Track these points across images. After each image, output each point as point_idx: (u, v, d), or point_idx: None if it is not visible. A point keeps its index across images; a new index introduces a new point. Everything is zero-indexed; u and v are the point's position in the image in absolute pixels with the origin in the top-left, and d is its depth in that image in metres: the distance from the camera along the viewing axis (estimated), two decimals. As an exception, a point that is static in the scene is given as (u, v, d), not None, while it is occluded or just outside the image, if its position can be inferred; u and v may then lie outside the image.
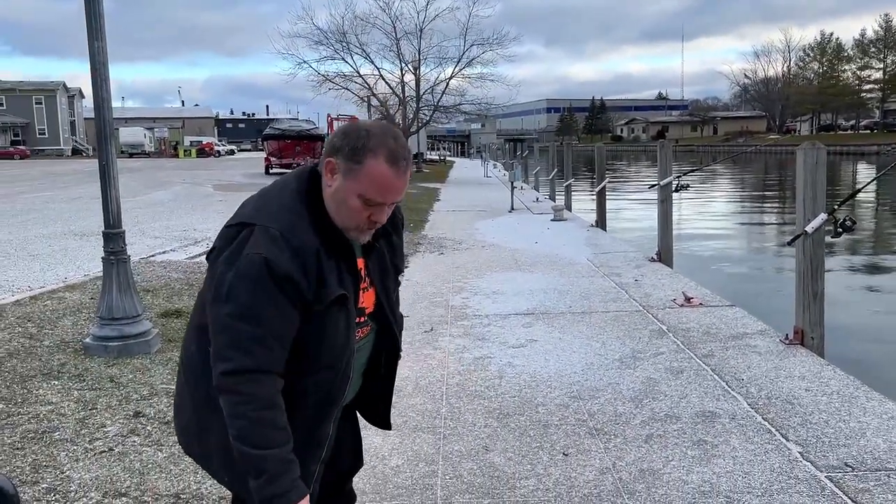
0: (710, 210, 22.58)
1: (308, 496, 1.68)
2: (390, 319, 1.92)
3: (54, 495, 3.15)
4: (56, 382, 4.53)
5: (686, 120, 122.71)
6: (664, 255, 9.33)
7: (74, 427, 3.86)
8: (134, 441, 3.70)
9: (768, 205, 26.26)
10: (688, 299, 6.73)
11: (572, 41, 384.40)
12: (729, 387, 4.45)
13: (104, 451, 3.57)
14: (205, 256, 1.80)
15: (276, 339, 1.64)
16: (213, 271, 1.69)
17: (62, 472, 3.36)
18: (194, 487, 3.22)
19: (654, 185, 9.85)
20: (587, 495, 3.16)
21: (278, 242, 1.61)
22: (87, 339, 5.17)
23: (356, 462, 2.23)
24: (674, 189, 9.45)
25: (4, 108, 72.00)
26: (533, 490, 3.22)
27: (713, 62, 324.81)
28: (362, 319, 1.85)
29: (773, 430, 3.79)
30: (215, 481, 2.29)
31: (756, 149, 65.49)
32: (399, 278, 2.04)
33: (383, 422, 2.15)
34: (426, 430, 3.90)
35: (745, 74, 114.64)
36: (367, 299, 1.86)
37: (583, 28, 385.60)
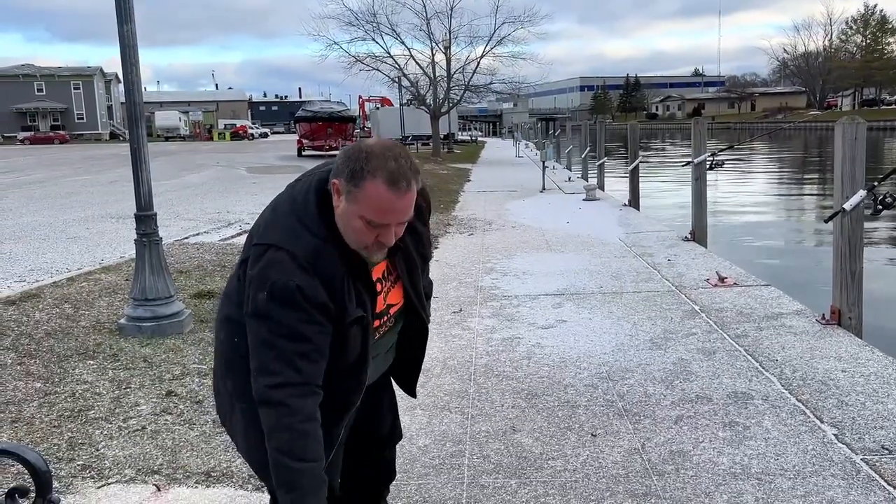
0: (746, 188, 22.14)
1: None
2: (419, 311, 1.99)
3: (89, 472, 3.22)
4: (92, 362, 4.63)
5: (723, 97, 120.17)
6: (698, 235, 9.17)
7: (109, 406, 3.94)
8: (166, 420, 3.77)
9: (807, 182, 25.65)
10: (721, 279, 6.61)
11: (607, 17, 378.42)
12: (762, 367, 4.37)
13: (137, 430, 3.64)
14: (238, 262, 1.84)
15: (320, 354, 1.69)
16: (244, 282, 1.73)
17: (97, 450, 3.44)
18: (224, 466, 3.27)
19: (688, 163, 9.67)
20: (615, 476, 3.14)
21: (309, 272, 1.66)
22: (122, 320, 5.27)
23: (394, 430, 2.31)
24: (708, 167, 9.27)
25: (44, 94, 73.42)
26: (560, 470, 3.20)
27: (751, 37, 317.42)
28: (386, 319, 1.91)
29: (807, 411, 3.71)
30: (244, 460, 2.35)
31: (794, 125, 63.94)
32: (427, 264, 2.06)
33: (409, 388, 2.22)
34: (454, 410, 3.90)
35: (785, 49, 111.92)
36: (395, 295, 1.92)
37: (618, 4, 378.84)
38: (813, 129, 63.68)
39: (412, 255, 1.92)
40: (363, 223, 1.67)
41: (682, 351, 4.74)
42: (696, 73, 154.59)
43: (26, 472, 3.05)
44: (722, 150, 9.52)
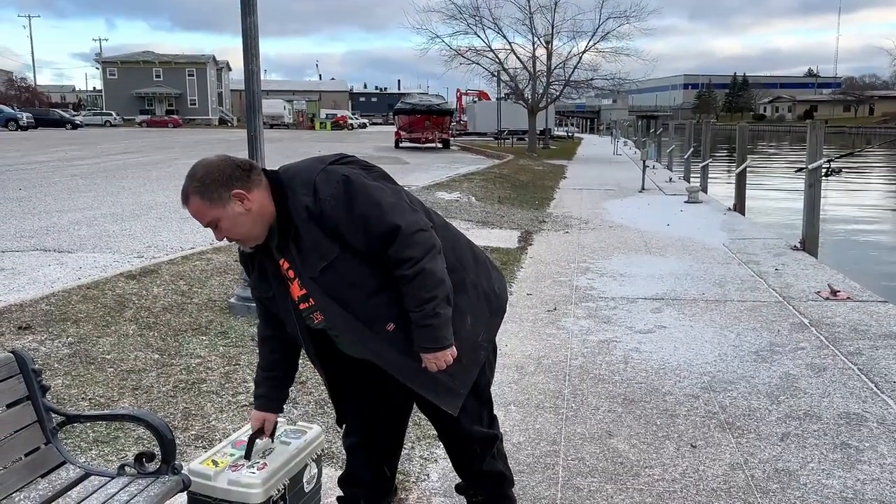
0: (862, 198, 20.86)
1: (260, 414, 2.43)
2: (325, 302, 2.12)
3: (201, 442, 3.41)
4: (204, 338, 4.89)
5: (838, 99, 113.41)
6: (809, 244, 8.74)
7: (219, 380, 4.16)
8: (272, 397, 3.93)
9: (931, 193, 23.92)
10: (834, 292, 6.28)
11: (719, 13, 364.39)
12: (878, 389, 4.14)
13: (245, 406, 3.82)
14: None
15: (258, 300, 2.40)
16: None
17: (208, 422, 3.63)
18: (325, 446, 3.38)
19: (801, 169, 9.22)
20: (716, 489, 3.06)
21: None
22: (232, 300, 5.53)
23: (393, 450, 2.61)
24: (824, 173, 8.81)
25: (161, 80, 77.55)
26: (658, 479, 3.15)
27: (873, 37, 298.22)
28: (310, 303, 2.16)
29: (928, 439, 3.49)
30: (343, 443, 2.59)
31: (919, 131, 59.66)
32: (355, 240, 2.06)
33: (442, 404, 2.27)
34: (548, 410, 3.90)
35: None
36: (296, 290, 2.17)
37: (732, 0, 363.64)
38: (939, 137, 59.19)
39: (294, 259, 2.11)
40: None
41: (790, 365, 4.55)
42: (810, 74, 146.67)
43: (146, 437, 3.25)
44: (840, 157, 9.03)
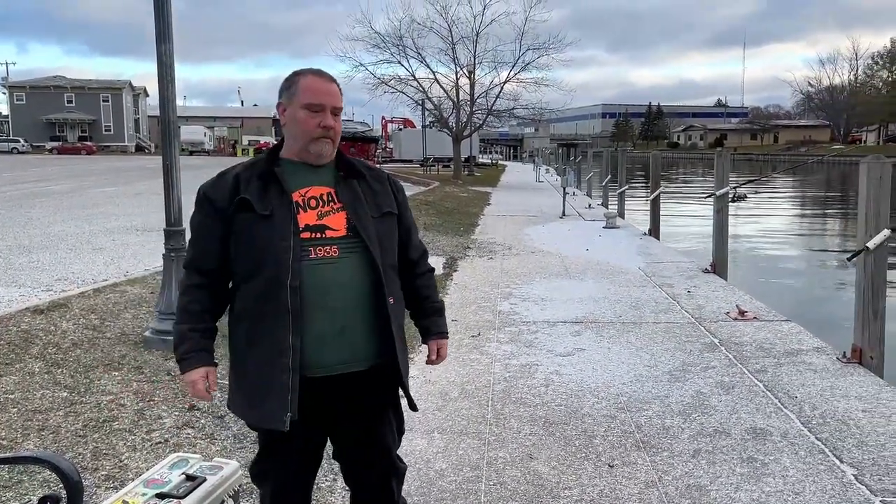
0: (768, 222, 22.00)
1: (198, 370, 2.19)
2: (365, 241, 2.13)
3: (112, 482, 3.28)
4: (117, 373, 4.71)
5: (746, 128, 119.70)
6: (719, 267, 9.15)
7: (133, 417, 4.01)
8: (188, 433, 3.83)
9: (830, 217, 25.45)
10: (742, 313, 6.59)
11: (636, 46, 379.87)
12: (782, 404, 4.36)
13: (160, 442, 3.70)
14: None
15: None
16: None
17: (120, 461, 3.50)
18: (245, 482, 3.31)
19: (710, 195, 9.67)
20: (631, 508, 3.14)
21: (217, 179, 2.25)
22: (147, 333, 5.36)
23: (369, 458, 2.30)
24: (731, 199, 9.27)
25: (74, 105, 74.79)
26: (577, 500, 3.22)
27: (777, 69, 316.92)
28: (320, 236, 2.11)
29: (826, 450, 3.69)
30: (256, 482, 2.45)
31: (818, 159, 63.46)
32: (401, 223, 2.32)
33: (401, 385, 2.27)
34: (471, 435, 3.93)
35: (809, 82, 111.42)
36: (335, 220, 2.15)
37: (648, 33, 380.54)
38: (836, 164, 63.18)
39: (359, 194, 2.20)
40: (305, 112, 2.13)
41: (701, 384, 4.74)
42: (720, 104, 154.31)
43: (52, 479, 3.11)
44: (745, 184, 9.54)
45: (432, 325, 2.42)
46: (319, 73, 2.20)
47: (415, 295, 2.39)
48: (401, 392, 2.31)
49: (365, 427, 2.26)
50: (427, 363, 2.49)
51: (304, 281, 2.05)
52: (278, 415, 2.07)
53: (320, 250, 2.10)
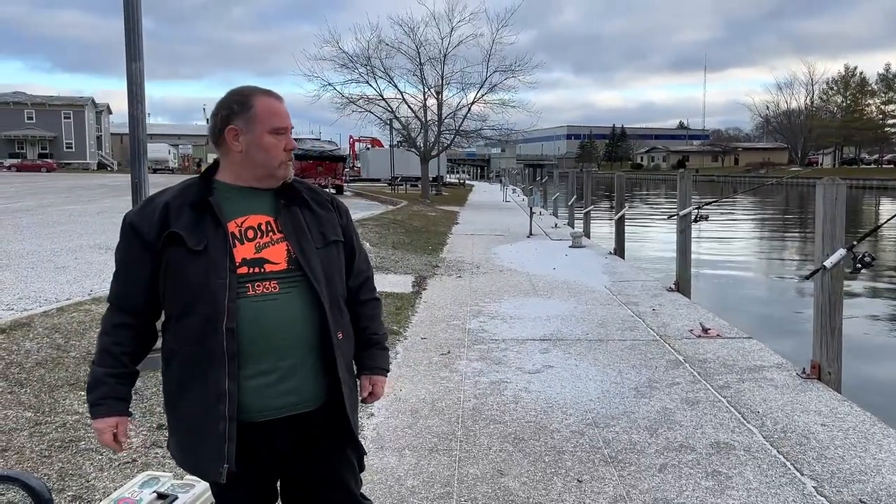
0: (730, 241, 22.48)
1: (107, 420, 1.99)
2: (308, 275, 1.99)
3: (79, 503, 3.24)
4: (82, 393, 4.63)
5: (707, 150, 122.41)
6: (682, 285, 9.34)
7: (99, 437, 3.95)
8: (156, 453, 3.79)
9: (789, 237, 26.09)
10: (705, 330, 6.74)
11: (601, 68, 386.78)
12: (744, 419, 4.47)
13: (128, 462, 3.66)
14: None
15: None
16: None
17: (87, 481, 3.45)
18: (212, 500, 3.29)
19: (673, 216, 9.88)
20: (600, 522, 3.19)
21: (145, 206, 2.03)
22: (113, 352, 5.28)
23: (327, 501, 2.16)
24: (693, 219, 9.48)
25: (34, 121, 73.49)
26: (547, 515, 3.26)
27: (737, 93, 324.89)
28: (258, 270, 1.96)
29: (787, 463, 3.80)
30: None
31: (778, 181, 65.14)
32: (345, 249, 2.16)
33: (348, 428, 2.10)
34: (442, 452, 3.96)
35: (768, 106, 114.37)
36: (274, 253, 1.99)
37: (612, 55, 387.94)
38: (794, 185, 64.88)
39: (302, 223, 2.05)
40: (272, 136, 2.00)
41: (667, 400, 4.83)
42: (681, 126, 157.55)
43: (18, 500, 3.06)
44: (706, 204, 9.76)
45: (368, 359, 2.24)
46: (271, 94, 2.07)
47: (354, 325, 2.18)
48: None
49: (317, 469, 2.11)
50: (360, 401, 2.24)
51: (242, 320, 1.90)
52: (213, 465, 1.92)
53: (259, 286, 1.94)
